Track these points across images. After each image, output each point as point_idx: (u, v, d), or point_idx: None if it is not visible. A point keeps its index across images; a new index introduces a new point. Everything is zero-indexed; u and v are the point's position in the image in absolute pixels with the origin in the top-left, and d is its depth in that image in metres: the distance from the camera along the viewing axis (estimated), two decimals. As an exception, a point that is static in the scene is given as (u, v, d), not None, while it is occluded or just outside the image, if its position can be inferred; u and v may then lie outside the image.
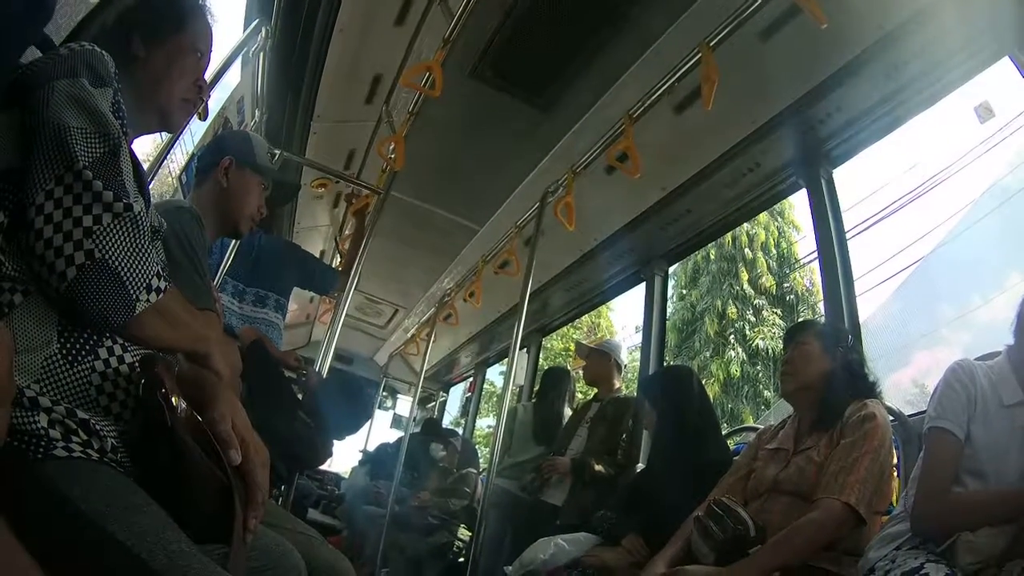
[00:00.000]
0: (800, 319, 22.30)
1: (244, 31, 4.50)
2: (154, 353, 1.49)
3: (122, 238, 1.39)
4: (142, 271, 1.42)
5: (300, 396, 3.90)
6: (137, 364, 1.48)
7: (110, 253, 1.36)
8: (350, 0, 4.57)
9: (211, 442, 1.40)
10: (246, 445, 1.46)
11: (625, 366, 6.15)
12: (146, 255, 1.44)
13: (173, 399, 1.37)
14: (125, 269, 1.38)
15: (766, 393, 22.98)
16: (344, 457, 17.98)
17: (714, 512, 3.00)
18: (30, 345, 1.35)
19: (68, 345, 1.40)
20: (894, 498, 3.02)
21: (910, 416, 3.44)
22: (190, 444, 1.36)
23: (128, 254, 1.39)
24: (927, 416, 2.50)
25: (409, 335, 10.91)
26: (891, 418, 3.17)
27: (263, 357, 3.50)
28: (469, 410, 11.42)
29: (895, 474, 3.11)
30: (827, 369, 3.21)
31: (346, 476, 12.16)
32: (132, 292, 1.40)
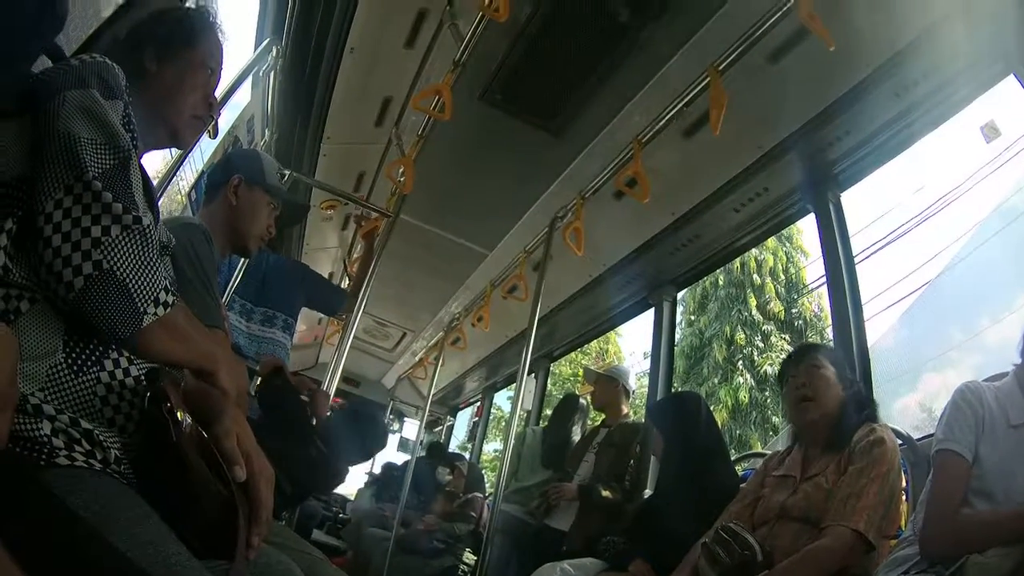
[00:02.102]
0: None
1: (255, 50, 4.53)
2: (160, 367, 1.48)
3: (130, 250, 1.38)
4: (150, 284, 1.41)
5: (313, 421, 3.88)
6: (143, 377, 1.47)
7: (118, 265, 1.35)
8: (360, 22, 4.59)
9: (215, 458, 1.39)
10: (251, 462, 1.45)
11: (633, 392, 6.14)
12: (155, 268, 1.43)
13: (178, 414, 1.36)
14: (133, 281, 1.37)
15: (774, 419, 22.87)
16: (350, 479, 17.92)
17: (721, 538, 2.98)
18: (35, 353, 1.34)
19: (74, 355, 1.39)
20: (903, 522, 3.00)
21: (918, 439, 3.42)
22: (194, 459, 1.34)
23: (136, 266, 1.39)
24: (935, 438, 2.49)
25: (417, 359, 10.92)
26: (899, 441, 3.15)
27: (286, 385, 3.49)
28: (476, 435, 11.39)
29: (904, 498, 3.09)
30: (840, 396, 3.20)
31: (352, 498, 12.13)
32: (140, 305, 1.39)
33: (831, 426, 3.14)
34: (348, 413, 4.03)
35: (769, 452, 3.88)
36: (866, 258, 18.16)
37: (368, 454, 4.11)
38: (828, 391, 3.20)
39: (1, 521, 1.13)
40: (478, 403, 11.72)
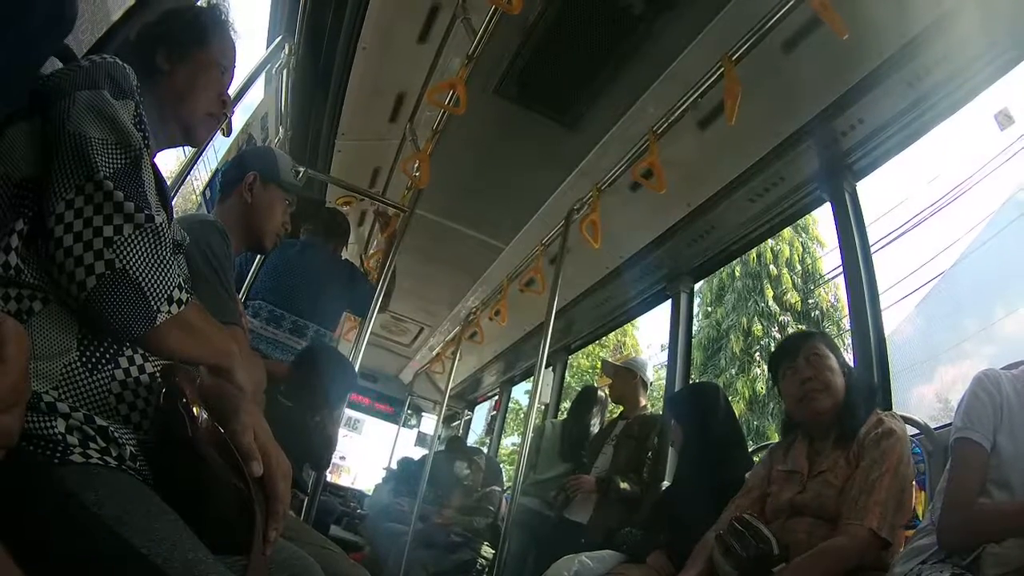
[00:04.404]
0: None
1: (267, 48, 4.54)
2: (175, 363, 1.49)
3: (143, 249, 1.39)
4: (163, 282, 1.43)
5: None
6: (158, 374, 1.47)
7: (131, 264, 1.37)
8: (373, 18, 4.60)
9: (232, 453, 1.39)
10: (268, 457, 1.44)
11: (651, 384, 6.14)
12: (168, 267, 1.44)
13: (194, 409, 1.36)
14: (146, 280, 1.39)
15: (791, 410, 22.86)
16: (368, 474, 18.01)
17: (736, 530, 2.96)
18: (48, 352, 1.35)
19: (88, 353, 1.39)
20: (919, 510, 2.99)
21: (936, 429, 3.39)
22: (211, 455, 1.35)
23: (149, 265, 1.40)
24: (953, 427, 2.46)
25: (434, 353, 10.92)
26: (917, 431, 3.13)
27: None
28: (494, 428, 11.38)
29: (920, 487, 3.06)
30: (843, 384, 3.17)
31: (369, 494, 12.16)
32: (153, 303, 1.40)
33: (838, 417, 3.10)
34: (299, 360, 3.92)
35: (771, 448, 3.84)
36: (882, 248, 18.08)
37: (341, 391, 4.04)
38: (835, 380, 3.16)
39: (16, 519, 1.14)
40: (496, 397, 11.73)
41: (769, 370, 3.59)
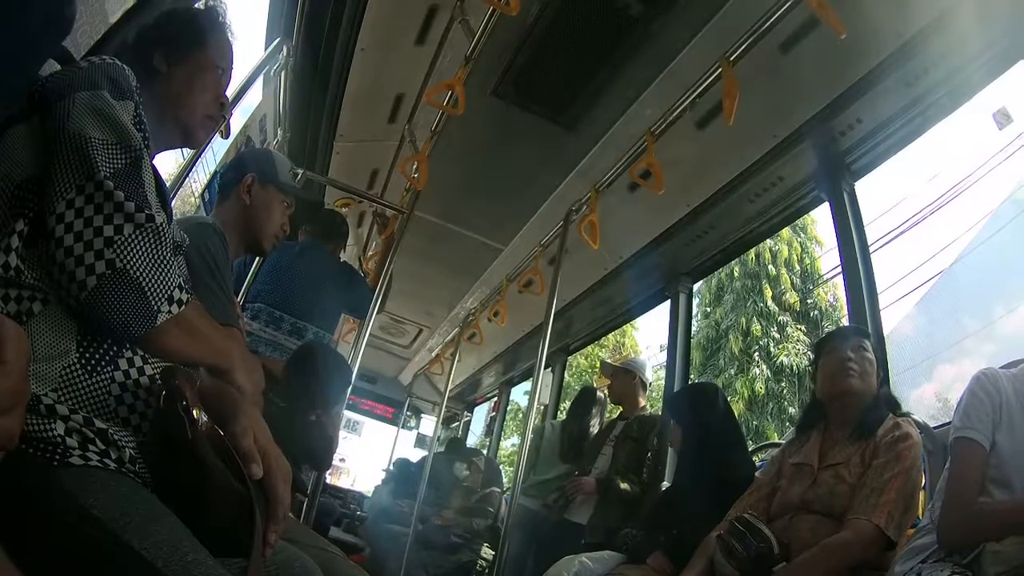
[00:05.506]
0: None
1: (266, 50, 4.53)
2: (175, 365, 1.48)
3: (144, 249, 1.39)
4: (164, 282, 1.42)
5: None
6: (158, 376, 1.47)
7: (131, 263, 1.36)
8: (371, 19, 4.60)
9: (232, 455, 1.39)
10: (268, 459, 1.44)
11: (650, 384, 6.13)
12: (168, 267, 1.44)
13: (194, 412, 1.36)
14: (146, 280, 1.38)
15: (791, 410, 22.80)
16: (368, 476, 18.01)
17: (736, 530, 2.97)
18: (48, 354, 1.34)
19: (87, 355, 1.39)
20: (920, 511, 2.98)
21: (936, 428, 3.40)
22: (210, 457, 1.35)
23: (150, 265, 1.39)
24: (953, 426, 2.46)
25: (433, 355, 10.92)
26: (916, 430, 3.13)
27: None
28: (493, 429, 11.37)
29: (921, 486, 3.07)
30: (875, 383, 3.19)
31: (369, 495, 12.14)
32: (153, 303, 1.40)
33: (861, 412, 3.11)
34: (294, 358, 3.84)
35: (785, 443, 3.85)
36: (881, 247, 18.08)
37: (338, 388, 3.99)
38: (871, 372, 3.20)
39: (16, 521, 1.14)
40: (495, 398, 11.71)
41: (814, 348, 3.61)
